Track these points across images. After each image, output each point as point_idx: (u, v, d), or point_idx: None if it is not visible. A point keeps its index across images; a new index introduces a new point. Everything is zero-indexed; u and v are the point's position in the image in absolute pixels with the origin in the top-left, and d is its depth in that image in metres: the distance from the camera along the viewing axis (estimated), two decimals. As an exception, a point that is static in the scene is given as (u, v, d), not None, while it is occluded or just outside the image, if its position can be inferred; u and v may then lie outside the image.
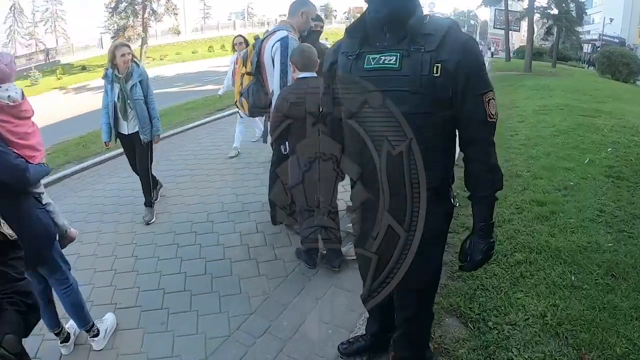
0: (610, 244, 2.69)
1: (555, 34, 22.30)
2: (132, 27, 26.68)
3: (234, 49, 4.73)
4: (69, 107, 13.72)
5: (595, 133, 5.28)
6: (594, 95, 9.62)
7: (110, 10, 27.01)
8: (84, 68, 25.50)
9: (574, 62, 34.45)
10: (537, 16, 20.70)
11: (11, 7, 50.18)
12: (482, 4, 24.68)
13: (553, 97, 8.90)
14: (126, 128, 3.22)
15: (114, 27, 27.51)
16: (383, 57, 1.13)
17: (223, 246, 2.92)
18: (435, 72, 1.07)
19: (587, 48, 37.08)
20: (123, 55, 3.03)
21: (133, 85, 3.09)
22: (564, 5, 19.21)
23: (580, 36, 24.83)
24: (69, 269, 1.92)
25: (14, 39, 50.58)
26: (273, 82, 2.55)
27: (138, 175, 3.43)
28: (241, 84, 2.79)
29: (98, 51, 30.93)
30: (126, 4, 26.59)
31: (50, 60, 28.85)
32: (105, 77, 3.14)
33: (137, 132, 3.21)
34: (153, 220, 3.33)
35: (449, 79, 1.08)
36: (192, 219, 3.33)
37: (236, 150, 4.86)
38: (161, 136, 3.53)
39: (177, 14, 28.68)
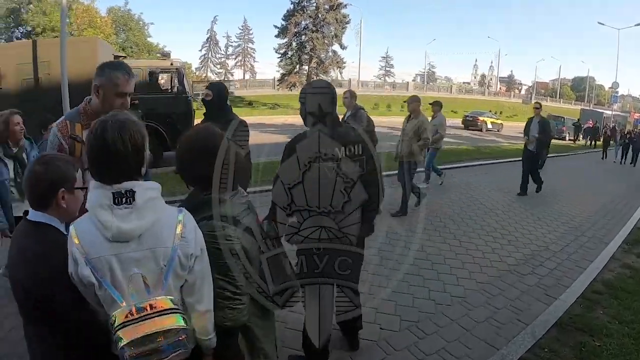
0: None
1: None
2: (296, 73, 27.31)
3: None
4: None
5: None
6: None
7: (280, 55, 28.68)
8: (250, 103, 26.91)
9: None
10: None
11: (208, 38, 59.68)
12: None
13: None
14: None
15: (281, 71, 29.00)
16: None
17: None
18: None
19: None
20: (18, 124, 2.70)
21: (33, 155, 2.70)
22: None
23: None
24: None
25: (206, 66, 59.30)
26: None
27: None
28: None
29: (270, 90, 33.42)
30: (292, 53, 27.55)
31: (225, 91, 31.86)
32: None
33: None
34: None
35: None
36: None
37: None
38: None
39: (342, 68, 28.79)
